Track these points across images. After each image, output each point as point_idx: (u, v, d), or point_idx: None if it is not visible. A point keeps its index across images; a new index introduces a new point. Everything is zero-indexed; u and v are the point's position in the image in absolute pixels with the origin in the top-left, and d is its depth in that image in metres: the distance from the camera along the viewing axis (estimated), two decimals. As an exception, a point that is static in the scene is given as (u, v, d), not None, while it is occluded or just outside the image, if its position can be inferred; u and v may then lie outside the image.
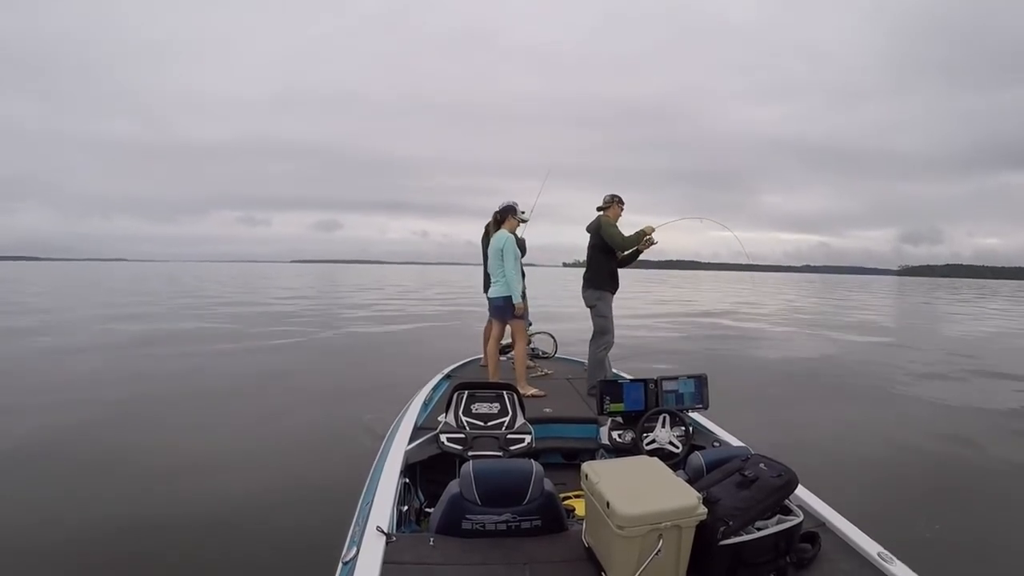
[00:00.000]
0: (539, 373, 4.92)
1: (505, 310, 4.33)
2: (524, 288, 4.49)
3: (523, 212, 4.80)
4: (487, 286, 5.22)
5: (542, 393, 4.10)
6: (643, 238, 4.39)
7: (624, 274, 4.69)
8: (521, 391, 3.85)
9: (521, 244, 4.72)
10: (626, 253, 4.55)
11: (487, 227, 4.81)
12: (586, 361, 4.63)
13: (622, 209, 4.59)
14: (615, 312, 4.54)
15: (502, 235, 4.35)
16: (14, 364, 8.68)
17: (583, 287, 4.59)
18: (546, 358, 5.57)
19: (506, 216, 4.46)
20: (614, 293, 4.56)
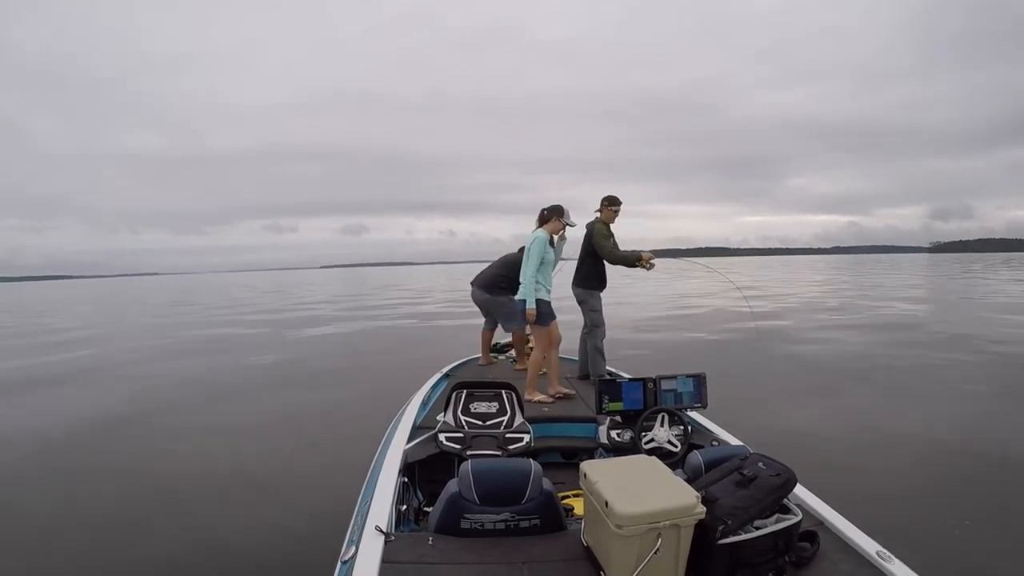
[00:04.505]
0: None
1: (540, 315, 4.07)
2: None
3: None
4: (479, 281, 5.24)
5: (550, 399, 3.94)
6: (636, 262, 4.41)
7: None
8: (527, 396, 3.84)
9: (559, 248, 4.40)
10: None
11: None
12: (577, 357, 4.79)
13: (616, 212, 4.63)
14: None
15: (533, 235, 4.12)
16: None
17: (573, 284, 4.69)
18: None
19: (551, 216, 4.18)
20: (601, 291, 4.66)
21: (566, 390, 4.12)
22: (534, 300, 4.02)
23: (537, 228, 4.19)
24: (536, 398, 3.94)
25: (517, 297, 4.14)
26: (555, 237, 4.22)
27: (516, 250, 5.10)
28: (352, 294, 31.27)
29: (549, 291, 4.17)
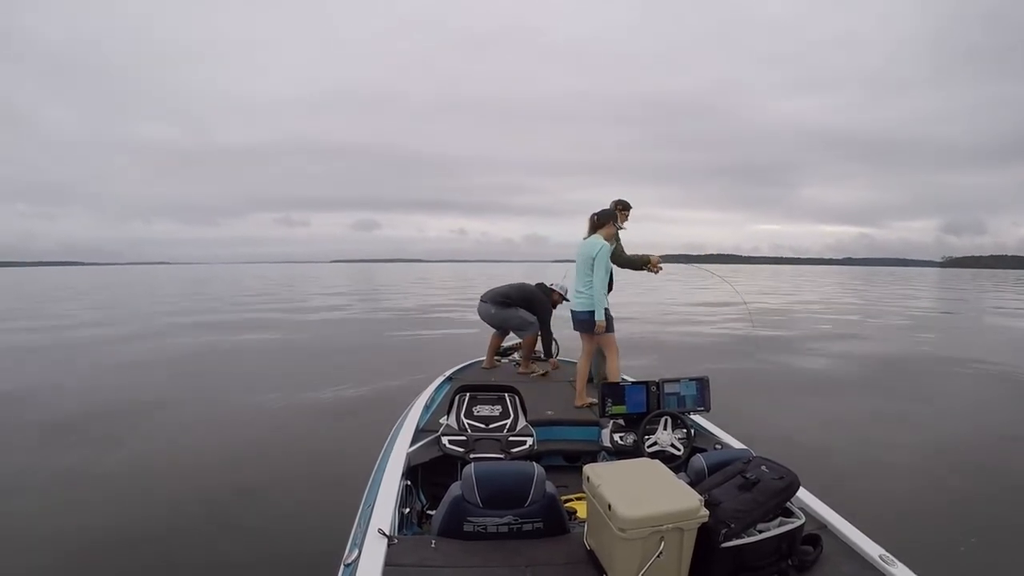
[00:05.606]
0: (539, 373, 4.96)
1: (591, 324, 3.98)
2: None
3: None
4: (487, 296, 5.27)
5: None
6: (644, 266, 4.43)
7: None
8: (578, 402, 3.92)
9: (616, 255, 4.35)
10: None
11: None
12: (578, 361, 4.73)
13: (626, 216, 4.63)
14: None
15: (596, 242, 3.95)
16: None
17: None
18: (545, 360, 5.57)
19: (606, 221, 4.05)
20: (608, 293, 4.63)
21: (592, 400, 3.93)
22: (603, 311, 3.93)
23: (590, 234, 4.08)
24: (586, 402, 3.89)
25: (586, 308, 3.98)
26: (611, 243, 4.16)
27: (535, 284, 5.37)
28: (360, 291, 31.23)
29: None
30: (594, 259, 3.92)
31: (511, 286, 5.33)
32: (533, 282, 5.44)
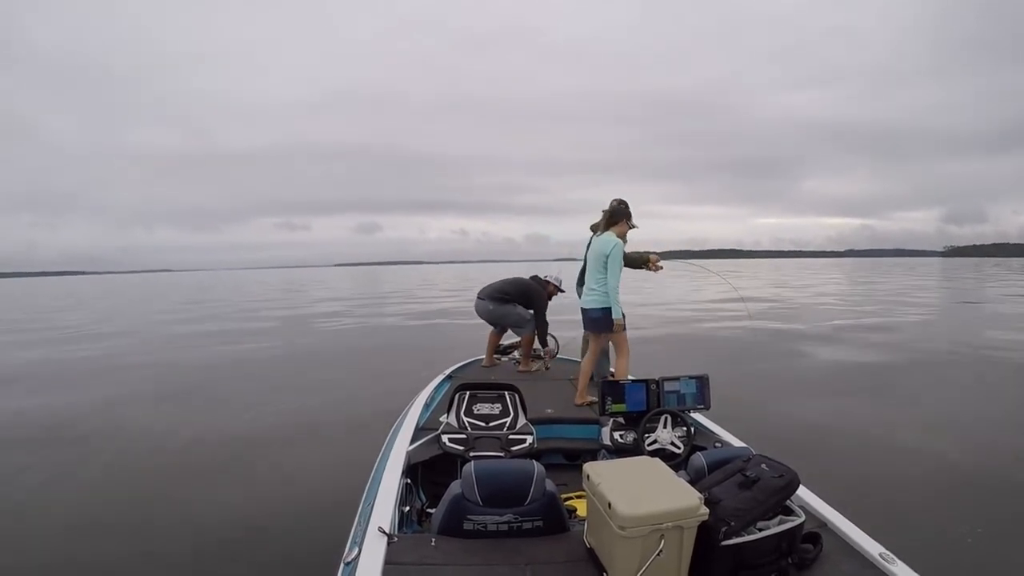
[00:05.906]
0: (536, 369, 4.98)
1: (603, 323, 3.96)
2: None
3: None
4: (484, 293, 5.28)
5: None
6: (644, 264, 4.40)
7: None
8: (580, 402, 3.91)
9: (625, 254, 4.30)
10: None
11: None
12: (579, 359, 4.72)
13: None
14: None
15: (610, 240, 3.90)
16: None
17: (577, 285, 4.66)
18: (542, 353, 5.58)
19: (619, 219, 3.99)
20: None
21: (592, 398, 3.93)
22: (620, 310, 3.90)
23: (602, 232, 4.03)
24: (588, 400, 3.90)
25: (600, 305, 3.94)
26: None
27: (528, 277, 5.40)
28: (361, 294, 31.22)
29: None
30: (607, 257, 3.87)
31: (506, 281, 5.34)
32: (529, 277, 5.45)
